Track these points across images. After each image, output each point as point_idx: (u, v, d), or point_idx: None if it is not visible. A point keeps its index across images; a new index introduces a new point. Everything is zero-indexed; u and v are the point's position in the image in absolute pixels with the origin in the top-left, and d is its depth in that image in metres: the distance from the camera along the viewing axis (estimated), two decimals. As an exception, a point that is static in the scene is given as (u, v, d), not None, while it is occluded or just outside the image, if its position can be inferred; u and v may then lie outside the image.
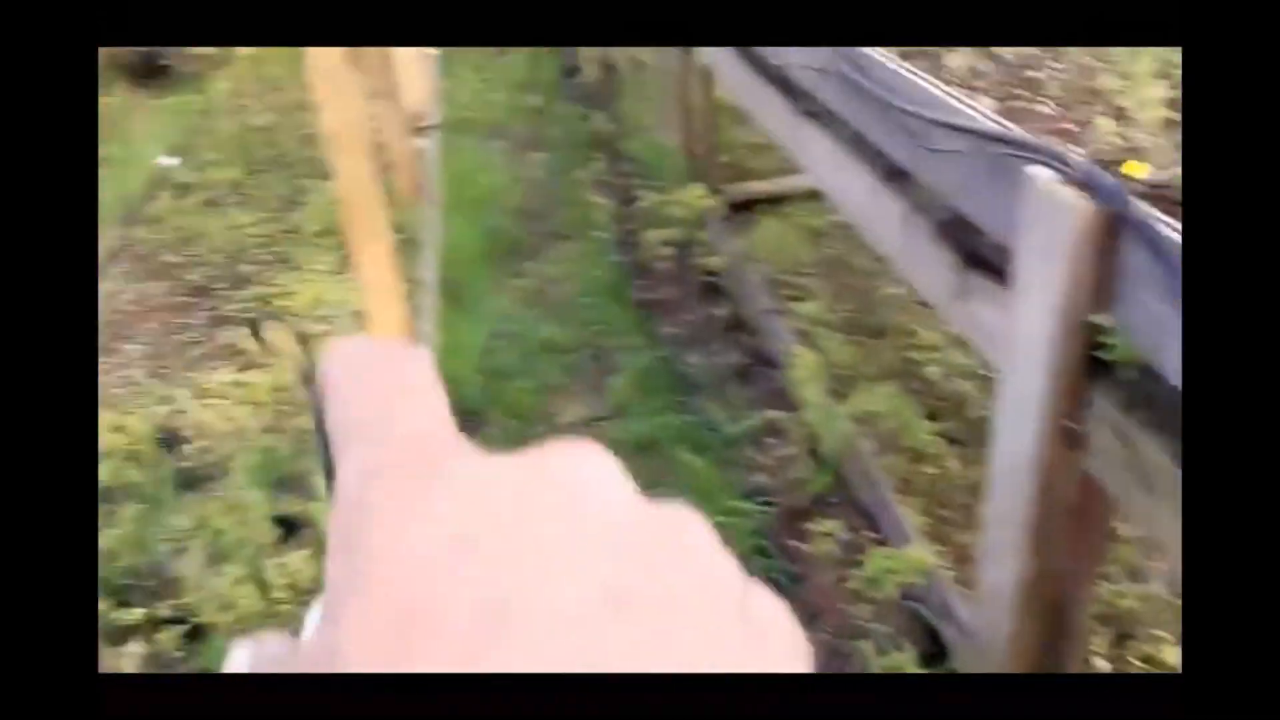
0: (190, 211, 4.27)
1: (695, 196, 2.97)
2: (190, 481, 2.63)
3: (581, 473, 0.19)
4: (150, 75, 6.77)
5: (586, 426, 3.04)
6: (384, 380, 0.21)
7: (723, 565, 0.19)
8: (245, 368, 3.12)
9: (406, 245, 3.67)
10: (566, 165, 4.96)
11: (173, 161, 5.02)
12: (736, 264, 3.04)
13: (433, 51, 6.34)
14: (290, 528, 2.33)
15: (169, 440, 2.80)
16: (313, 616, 0.21)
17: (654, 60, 4.62)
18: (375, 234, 2.90)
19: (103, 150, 5.73)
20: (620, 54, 5.35)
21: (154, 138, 5.52)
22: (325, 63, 2.68)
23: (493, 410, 2.83)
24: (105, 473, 2.51)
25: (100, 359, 3.41)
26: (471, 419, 2.65)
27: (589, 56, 5.28)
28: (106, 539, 2.26)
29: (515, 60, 6.64)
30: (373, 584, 0.17)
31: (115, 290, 3.86)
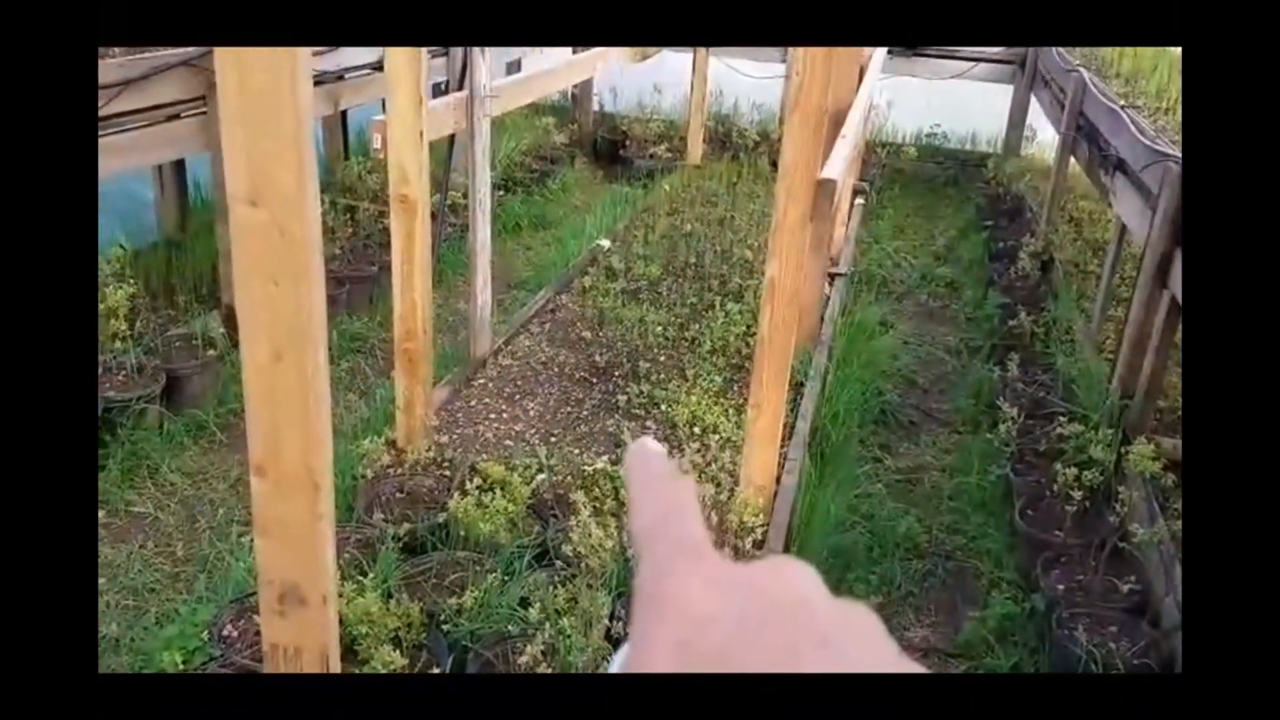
0: (612, 296, 4.67)
1: (1142, 455, 2.59)
2: (543, 557, 2.78)
3: (794, 579, 0.30)
4: (612, 160, 7.68)
5: (925, 658, 2.74)
6: (665, 495, 0.33)
7: (884, 647, 0.29)
8: (618, 462, 3.27)
9: (792, 388, 3.66)
10: (973, 353, 4.71)
11: (608, 245, 5.56)
12: (1164, 544, 2.60)
13: (859, 200, 6.46)
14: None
15: (538, 510, 3.00)
16: (617, 660, 0.31)
17: (1106, 272, 4.24)
18: (778, 382, 2.92)
19: (554, 214, 6.55)
20: (1065, 254, 5.01)
21: (598, 220, 6.19)
22: (789, 239, 2.77)
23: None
24: (485, 525, 2.73)
25: (502, 408, 3.80)
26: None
27: (1031, 249, 5.00)
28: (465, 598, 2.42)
29: (940, 227, 6.54)
30: (664, 623, 0.28)
31: (533, 346, 4.31)
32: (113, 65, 3.47)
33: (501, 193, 6.27)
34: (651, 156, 7.33)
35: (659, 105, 7.99)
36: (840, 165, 3.19)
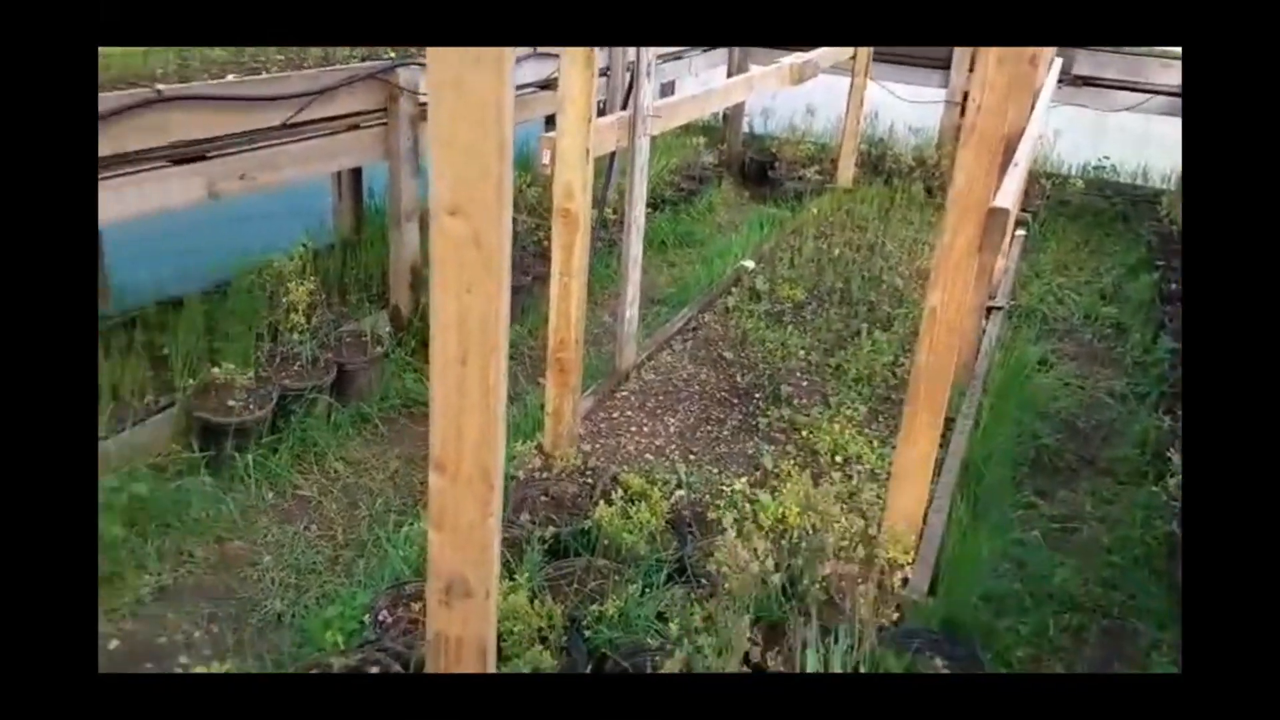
0: (755, 317, 4.65)
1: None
2: (679, 574, 2.78)
3: None
4: (760, 181, 7.66)
5: None
6: None
7: None
8: (757, 485, 3.25)
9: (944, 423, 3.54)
10: (1140, 400, 4.42)
11: (752, 265, 5.54)
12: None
13: (1021, 232, 6.19)
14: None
15: (676, 525, 3.01)
16: None
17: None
18: (932, 415, 2.83)
19: (699, 233, 6.58)
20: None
21: (743, 240, 6.18)
22: (955, 269, 2.69)
23: (986, 656, 2.55)
24: (628, 536, 2.77)
25: (644, 421, 3.85)
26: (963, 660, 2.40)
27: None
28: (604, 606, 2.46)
29: (1106, 264, 6.18)
30: None
31: (675, 363, 4.34)
32: (305, 76, 3.74)
33: (649, 210, 6.36)
34: (800, 178, 7.28)
35: (811, 127, 7.93)
36: (1012, 195, 3.08)
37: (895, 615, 2.51)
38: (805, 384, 4.14)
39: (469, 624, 1.66)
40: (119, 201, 3.08)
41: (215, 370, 3.45)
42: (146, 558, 2.90)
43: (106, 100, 2.97)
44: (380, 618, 2.43)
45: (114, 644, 2.61)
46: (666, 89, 7.14)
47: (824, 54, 5.77)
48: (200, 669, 2.45)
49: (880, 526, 2.75)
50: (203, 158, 3.36)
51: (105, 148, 2.98)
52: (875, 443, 3.64)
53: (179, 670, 2.53)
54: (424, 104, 4.17)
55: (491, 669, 1.72)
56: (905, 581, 2.63)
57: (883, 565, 2.52)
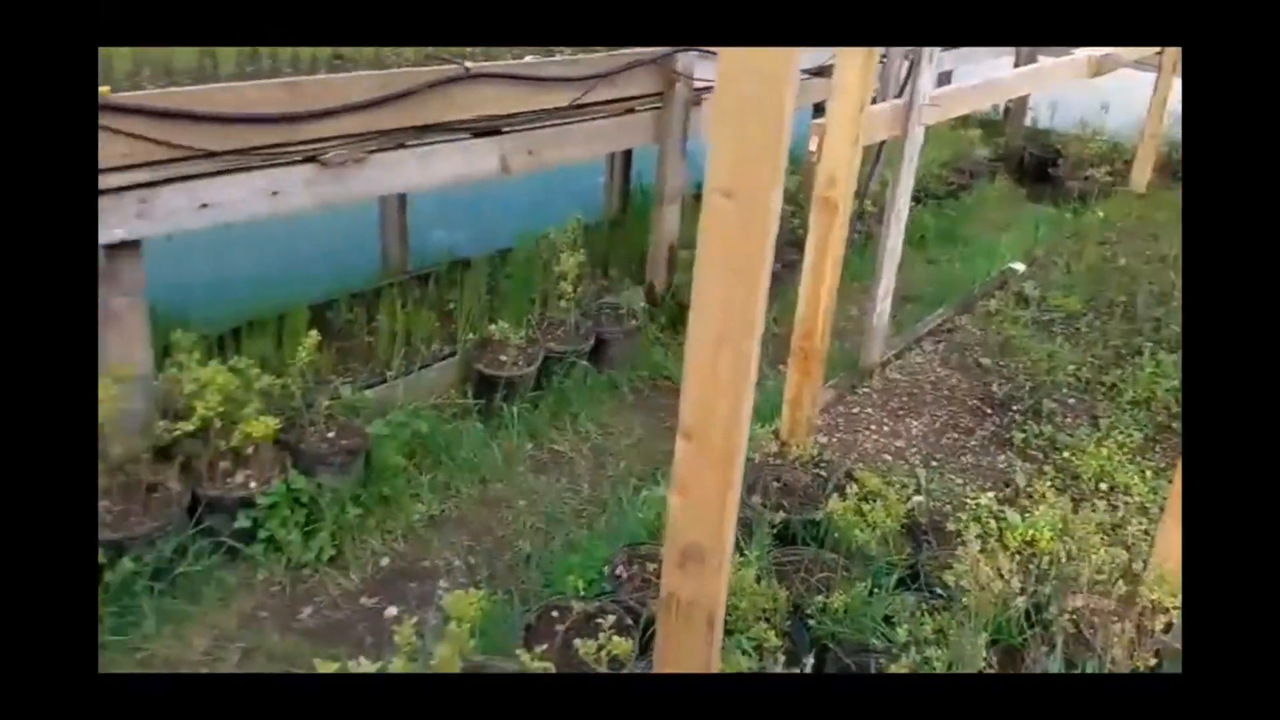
0: (1020, 324, 4.36)
1: None
2: (910, 580, 2.71)
3: None
4: (1038, 179, 7.12)
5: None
6: None
7: None
8: (1005, 502, 3.07)
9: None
10: None
11: (1022, 269, 5.19)
12: None
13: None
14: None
15: (912, 530, 2.92)
16: None
17: None
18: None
19: (964, 230, 6.24)
20: None
21: (1014, 241, 5.79)
22: None
23: None
24: (861, 534, 2.73)
25: (885, 421, 3.75)
26: None
27: None
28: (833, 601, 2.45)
29: None
30: None
31: (924, 364, 4.19)
32: (593, 60, 3.96)
33: (913, 203, 6.12)
34: (1086, 179, 6.68)
35: (1104, 125, 7.23)
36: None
37: (1153, 661, 2.29)
38: (1072, 401, 3.84)
39: (701, 590, 1.74)
40: (425, 169, 3.47)
41: (493, 327, 3.80)
42: (420, 488, 3.28)
43: (423, 75, 3.33)
44: (616, 571, 2.59)
45: (385, 561, 2.99)
46: (943, 78, 6.81)
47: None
48: (458, 593, 2.75)
49: (1146, 564, 2.51)
50: (498, 132, 3.69)
51: (420, 118, 3.36)
52: (1149, 473, 3.31)
53: (441, 591, 2.85)
54: (699, 89, 4.29)
55: (718, 637, 1.79)
56: (1168, 627, 2.39)
57: (1145, 606, 2.31)
